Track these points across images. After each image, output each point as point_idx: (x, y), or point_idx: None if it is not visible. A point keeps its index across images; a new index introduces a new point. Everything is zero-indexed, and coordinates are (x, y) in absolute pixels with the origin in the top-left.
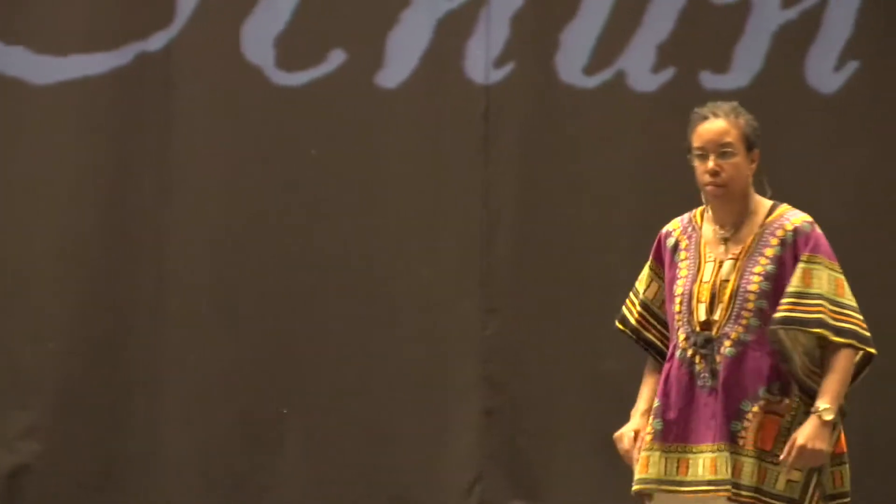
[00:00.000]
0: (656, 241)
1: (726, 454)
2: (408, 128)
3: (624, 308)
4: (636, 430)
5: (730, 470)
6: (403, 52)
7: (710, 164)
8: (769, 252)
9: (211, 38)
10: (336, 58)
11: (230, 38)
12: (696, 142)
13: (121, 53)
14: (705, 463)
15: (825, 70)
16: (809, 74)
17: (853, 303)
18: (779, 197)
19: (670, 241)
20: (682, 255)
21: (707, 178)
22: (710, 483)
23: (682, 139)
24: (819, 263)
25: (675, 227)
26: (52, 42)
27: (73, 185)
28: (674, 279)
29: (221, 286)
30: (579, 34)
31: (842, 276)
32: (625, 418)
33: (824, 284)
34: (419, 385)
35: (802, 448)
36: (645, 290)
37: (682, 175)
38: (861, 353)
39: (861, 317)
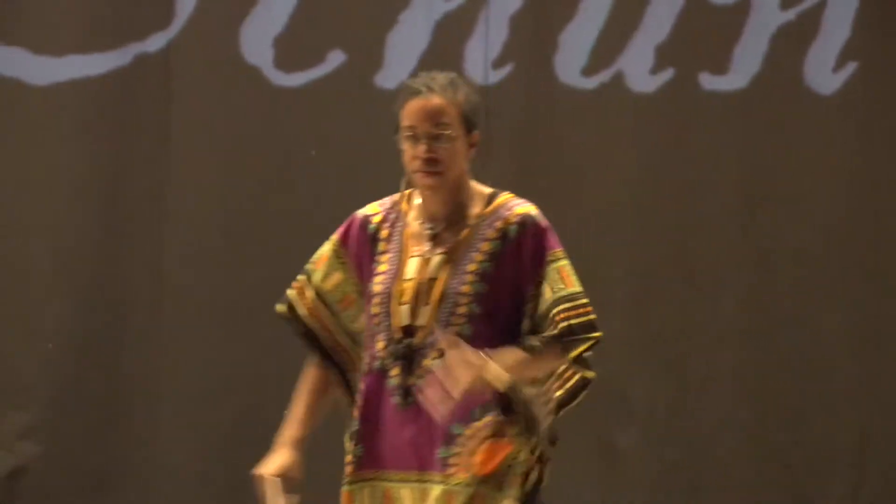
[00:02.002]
0: (347, 224)
1: (430, 486)
2: None
3: (292, 291)
4: (283, 469)
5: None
6: (402, 52)
7: (423, 148)
8: (486, 247)
9: (210, 38)
10: (335, 58)
11: (229, 38)
12: (406, 120)
13: (120, 54)
14: (404, 494)
15: (824, 71)
16: (808, 75)
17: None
18: (775, 198)
19: (370, 229)
20: (382, 246)
21: (417, 164)
22: None
23: (681, 140)
24: (563, 259)
25: (374, 212)
26: (51, 42)
27: (71, 186)
28: (372, 276)
29: (220, 287)
30: (578, 35)
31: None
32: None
33: (576, 282)
34: None
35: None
36: (323, 279)
37: (681, 175)
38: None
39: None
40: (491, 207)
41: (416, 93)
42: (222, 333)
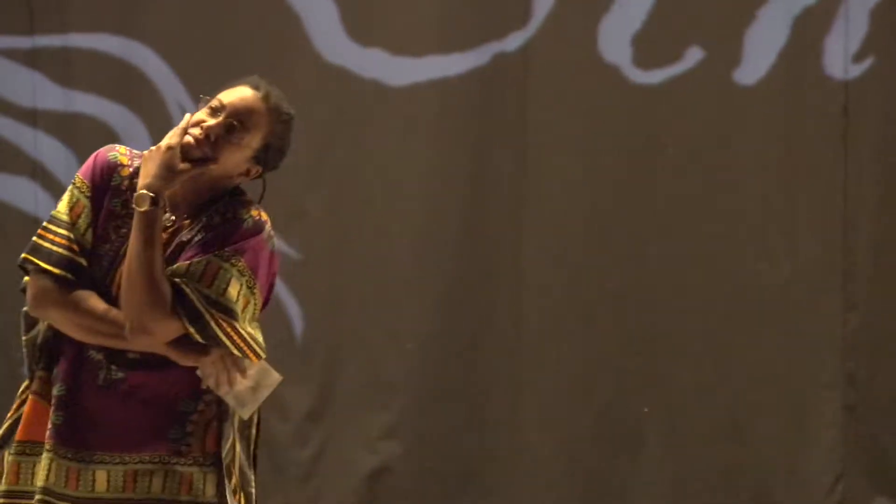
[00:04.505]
0: (91, 163)
1: (156, 468)
2: (766, 125)
3: (55, 246)
4: None
5: (163, 487)
6: (761, 48)
7: (211, 122)
8: (199, 238)
9: (567, 37)
10: (693, 55)
11: (587, 37)
12: (223, 95)
13: (478, 53)
14: (116, 476)
15: None
16: None
17: (252, 332)
18: None
19: (115, 179)
20: (119, 208)
21: (196, 131)
22: (118, 502)
23: None
24: (233, 266)
25: (124, 163)
26: (410, 43)
27: (431, 186)
28: (106, 235)
29: (578, 284)
30: None
31: (254, 302)
32: None
33: (231, 291)
34: (780, 382)
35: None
36: (85, 231)
37: None
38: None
39: (251, 348)
40: (224, 202)
41: (253, 85)
42: (582, 331)
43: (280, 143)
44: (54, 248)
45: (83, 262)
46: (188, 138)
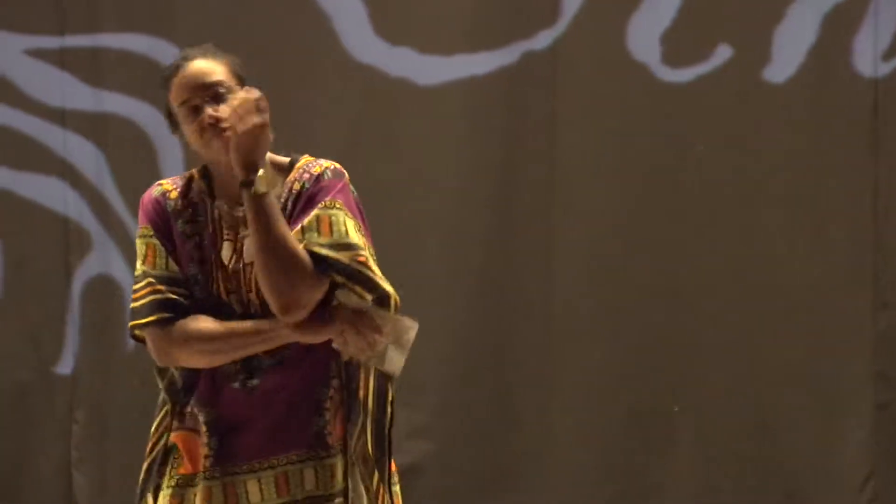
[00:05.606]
0: (143, 209)
1: (305, 465)
2: (795, 123)
3: (143, 300)
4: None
5: (316, 482)
6: (790, 47)
7: (209, 111)
8: (290, 208)
9: (596, 35)
10: (722, 53)
11: (616, 35)
12: (181, 95)
13: (507, 52)
14: (268, 482)
15: None
16: None
17: (376, 269)
18: None
19: (169, 206)
20: (186, 227)
21: (208, 131)
22: None
23: None
24: (339, 210)
25: (169, 188)
26: (439, 42)
27: (460, 185)
28: (189, 255)
29: (607, 283)
30: None
31: (367, 240)
32: None
33: (351, 232)
34: (810, 381)
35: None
36: (166, 264)
37: None
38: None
39: (383, 282)
40: (291, 175)
41: (177, 68)
42: (611, 329)
43: (235, 62)
44: (144, 300)
45: (173, 295)
46: (227, 133)
